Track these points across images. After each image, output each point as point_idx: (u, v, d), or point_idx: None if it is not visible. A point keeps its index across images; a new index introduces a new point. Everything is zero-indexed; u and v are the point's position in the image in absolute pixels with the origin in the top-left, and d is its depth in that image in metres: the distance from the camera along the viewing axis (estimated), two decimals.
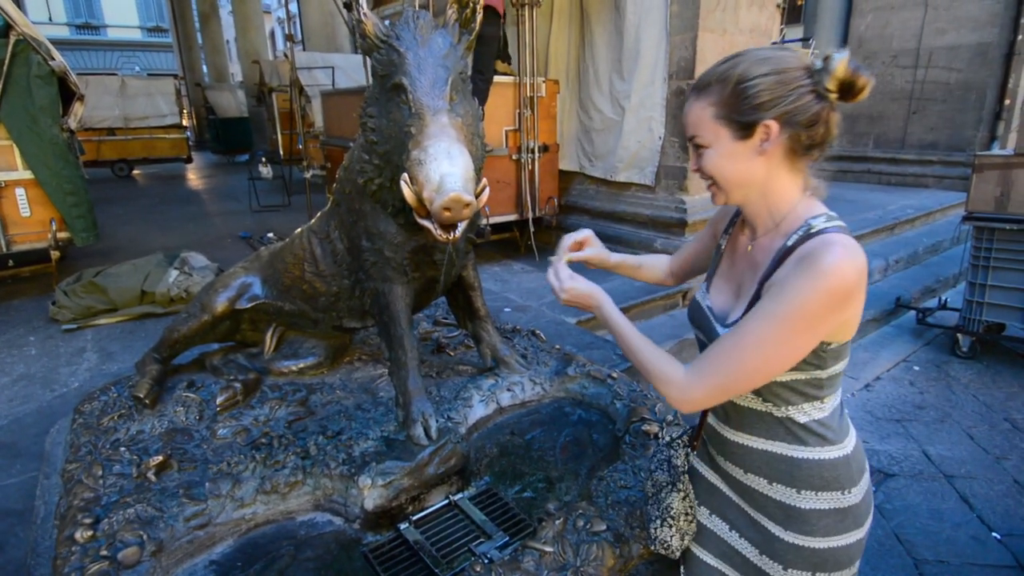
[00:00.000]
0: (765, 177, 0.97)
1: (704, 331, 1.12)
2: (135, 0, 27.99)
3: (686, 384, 0.97)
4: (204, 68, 19.15)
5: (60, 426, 2.01)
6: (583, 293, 1.14)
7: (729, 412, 1.11)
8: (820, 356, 0.98)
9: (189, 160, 12.86)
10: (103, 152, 11.41)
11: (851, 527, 1.04)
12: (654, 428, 1.75)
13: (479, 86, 4.10)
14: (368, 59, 1.58)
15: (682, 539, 1.22)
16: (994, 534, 2.37)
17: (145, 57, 28.41)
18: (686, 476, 1.23)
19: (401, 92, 1.41)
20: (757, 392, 1.04)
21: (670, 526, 1.20)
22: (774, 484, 1.06)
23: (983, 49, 7.89)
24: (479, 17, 1.50)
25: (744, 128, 0.93)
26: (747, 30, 4.22)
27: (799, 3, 12.37)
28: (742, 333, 0.93)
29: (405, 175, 1.36)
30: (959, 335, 3.97)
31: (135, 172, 12.48)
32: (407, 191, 1.34)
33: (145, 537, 1.35)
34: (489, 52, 4.16)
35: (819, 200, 1.00)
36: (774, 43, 5.73)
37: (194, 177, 12.19)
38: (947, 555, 2.26)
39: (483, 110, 1.65)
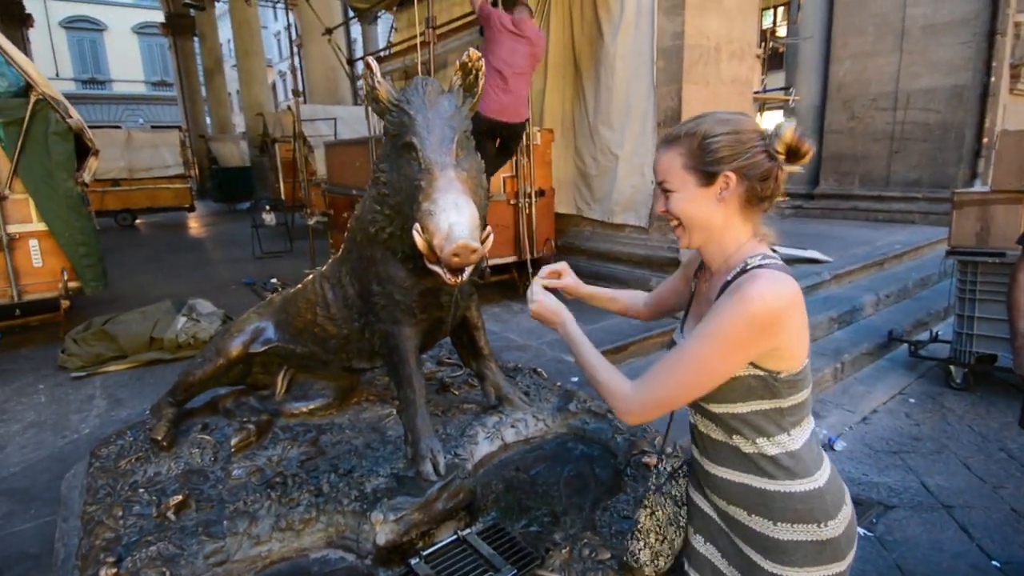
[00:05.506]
0: (723, 222, 1.09)
1: None
2: (140, 56, 29.02)
3: (630, 397, 1.05)
4: (207, 119, 19.70)
5: (76, 470, 2.06)
6: (551, 309, 1.25)
7: (708, 446, 1.17)
8: (773, 386, 1.04)
9: (192, 209, 13.12)
10: (106, 202, 11.67)
11: (830, 560, 1.07)
12: (653, 460, 1.81)
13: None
14: (373, 113, 1.73)
15: (654, 558, 1.29)
16: (994, 562, 2.39)
17: (148, 110, 29.23)
18: (654, 496, 1.32)
19: (411, 150, 1.55)
20: (726, 426, 1.11)
21: (638, 539, 1.29)
22: (752, 516, 1.10)
23: (959, 91, 8.24)
24: (481, 83, 1.65)
25: (707, 177, 1.06)
26: (728, 81, 4.46)
27: (780, 51, 12.91)
28: (680, 353, 1.04)
29: (417, 225, 1.48)
30: (952, 367, 4.04)
31: (138, 221, 12.71)
32: (419, 239, 1.46)
33: (167, 574, 1.40)
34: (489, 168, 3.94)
35: (767, 245, 1.11)
36: (756, 92, 6.00)
37: (196, 225, 12.41)
38: None
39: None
